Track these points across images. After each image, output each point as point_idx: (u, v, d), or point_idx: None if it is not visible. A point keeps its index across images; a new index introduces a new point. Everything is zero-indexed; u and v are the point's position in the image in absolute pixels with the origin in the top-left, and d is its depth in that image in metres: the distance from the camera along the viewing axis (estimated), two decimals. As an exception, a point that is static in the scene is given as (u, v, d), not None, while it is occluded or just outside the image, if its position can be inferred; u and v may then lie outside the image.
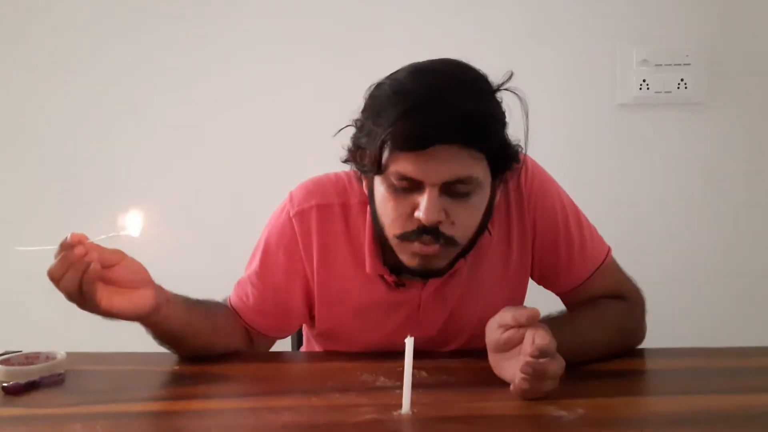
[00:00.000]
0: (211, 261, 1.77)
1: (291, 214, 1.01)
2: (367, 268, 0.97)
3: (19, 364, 0.91)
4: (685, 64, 1.78)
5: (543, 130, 1.81)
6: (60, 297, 1.87)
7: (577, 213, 1.09)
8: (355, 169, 0.96)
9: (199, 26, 1.82)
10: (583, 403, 0.80)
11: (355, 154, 0.92)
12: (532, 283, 1.11)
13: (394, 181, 0.86)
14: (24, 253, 1.90)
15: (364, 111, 0.90)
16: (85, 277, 0.82)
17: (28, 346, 0.96)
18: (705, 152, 1.83)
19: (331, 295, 1.01)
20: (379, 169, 0.86)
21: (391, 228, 0.89)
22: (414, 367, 0.77)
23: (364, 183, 0.96)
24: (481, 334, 0.89)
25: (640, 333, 1.05)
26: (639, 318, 1.05)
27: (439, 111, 0.82)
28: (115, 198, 1.84)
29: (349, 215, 1.00)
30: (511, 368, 0.83)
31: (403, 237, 0.88)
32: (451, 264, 0.93)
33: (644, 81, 1.79)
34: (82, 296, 0.83)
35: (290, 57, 1.80)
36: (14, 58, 1.82)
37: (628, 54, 1.79)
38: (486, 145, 0.85)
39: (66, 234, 0.85)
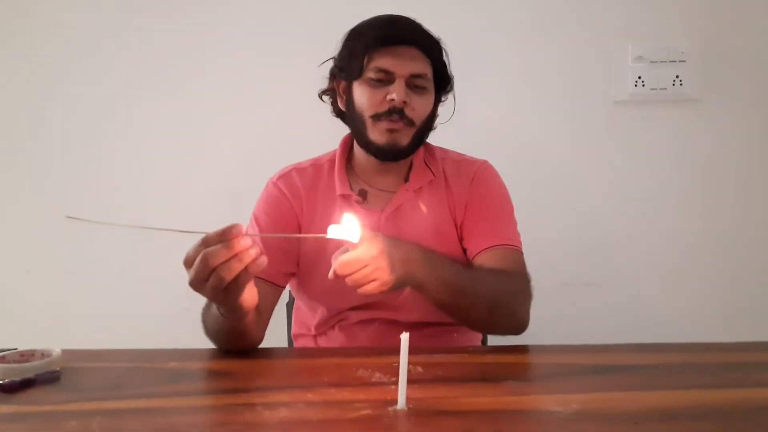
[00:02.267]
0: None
1: (275, 181, 1.26)
2: (338, 190, 1.22)
3: (14, 361, 0.90)
4: (680, 61, 1.78)
5: (539, 126, 1.83)
6: (56, 295, 1.86)
7: (509, 208, 1.27)
8: (330, 97, 1.25)
9: (195, 25, 1.82)
10: (578, 398, 0.80)
11: (338, 73, 1.20)
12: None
13: (372, 76, 1.14)
14: (21, 252, 1.90)
15: (344, 42, 1.20)
16: (251, 268, 0.85)
17: (24, 343, 0.96)
18: (700, 148, 1.84)
19: (314, 224, 1.22)
20: (360, 71, 1.14)
21: (368, 111, 1.16)
22: (409, 363, 0.78)
23: (340, 102, 1.23)
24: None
25: (520, 310, 1.11)
26: (522, 297, 1.12)
27: (405, 25, 1.17)
28: (113, 197, 1.84)
29: (321, 170, 1.27)
30: None
31: (376, 116, 1.15)
32: (411, 147, 1.18)
33: (640, 78, 1.79)
34: (230, 285, 0.85)
35: (286, 58, 1.80)
36: (10, 58, 1.82)
37: (624, 51, 1.80)
38: (434, 58, 1.18)
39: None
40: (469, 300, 1.04)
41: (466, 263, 1.18)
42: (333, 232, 0.88)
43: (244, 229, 0.84)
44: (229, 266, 0.83)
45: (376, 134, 1.16)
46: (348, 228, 0.89)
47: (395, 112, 1.13)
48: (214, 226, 1.84)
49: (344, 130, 1.27)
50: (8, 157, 1.85)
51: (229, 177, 1.83)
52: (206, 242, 0.84)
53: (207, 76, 1.82)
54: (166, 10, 1.81)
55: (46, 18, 1.81)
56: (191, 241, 1.84)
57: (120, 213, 1.84)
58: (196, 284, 0.85)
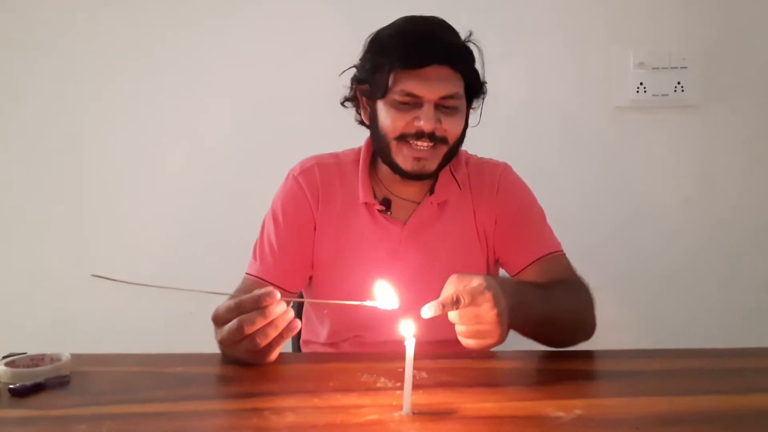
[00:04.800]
0: (210, 260, 1.78)
1: (296, 174, 1.21)
2: (361, 198, 1.17)
3: (24, 366, 0.91)
4: (681, 67, 1.79)
5: (541, 132, 1.84)
6: (64, 298, 1.86)
7: (540, 212, 1.24)
8: (354, 105, 1.19)
9: (198, 24, 1.83)
10: (581, 403, 0.81)
11: (360, 86, 1.13)
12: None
13: (398, 99, 1.07)
14: (30, 256, 1.90)
15: (367, 52, 1.12)
16: (285, 333, 0.86)
17: (33, 347, 0.97)
18: (701, 154, 1.85)
19: (330, 231, 1.18)
20: (385, 91, 1.07)
21: (392, 133, 1.09)
22: (414, 368, 0.79)
23: (363, 114, 1.17)
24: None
25: (592, 321, 1.09)
26: (590, 305, 1.10)
27: (433, 42, 1.07)
28: (118, 198, 1.85)
29: (344, 170, 1.21)
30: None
31: (401, 137, 1.09)
32: (439, 168, 1.13)
33: (641, 84, 1.81)
34: (263, 349, 0.86)
35: (289, 57, 1.82)
36: (12, 58, 1.83)
37: (625, 57, 1.81)
38: (466, 71, 1.10)
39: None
40: (554, 328, 1.02)
41: (540, 286, 1.08)
42: (371, 303, 0.88)
43: (278, 296, 0.84)
44: (265, 332, 0.84)
45: (401, 158, 1.10)
46: (386, 298, 0.88)
47: (425, 135, 1.08)
48: (215, 225, 1.85)
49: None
50: (11, 158, 1.86)
51: (231, 176, 1.84)
52: (240, 307, 0.84)
53: (211, 76, 1.83)
54: (171, 11, 1.82)
55: (50, 20, 1.82)
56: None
57: (124, 213, 1.85)
58: (228, 346, 0.86)
